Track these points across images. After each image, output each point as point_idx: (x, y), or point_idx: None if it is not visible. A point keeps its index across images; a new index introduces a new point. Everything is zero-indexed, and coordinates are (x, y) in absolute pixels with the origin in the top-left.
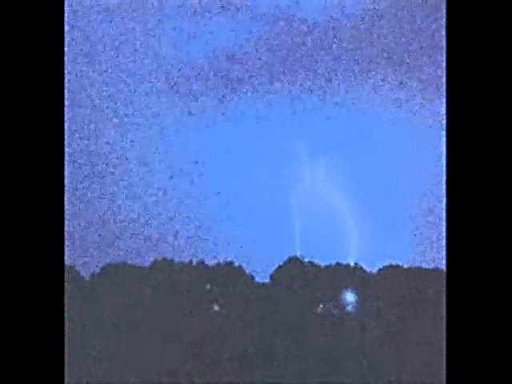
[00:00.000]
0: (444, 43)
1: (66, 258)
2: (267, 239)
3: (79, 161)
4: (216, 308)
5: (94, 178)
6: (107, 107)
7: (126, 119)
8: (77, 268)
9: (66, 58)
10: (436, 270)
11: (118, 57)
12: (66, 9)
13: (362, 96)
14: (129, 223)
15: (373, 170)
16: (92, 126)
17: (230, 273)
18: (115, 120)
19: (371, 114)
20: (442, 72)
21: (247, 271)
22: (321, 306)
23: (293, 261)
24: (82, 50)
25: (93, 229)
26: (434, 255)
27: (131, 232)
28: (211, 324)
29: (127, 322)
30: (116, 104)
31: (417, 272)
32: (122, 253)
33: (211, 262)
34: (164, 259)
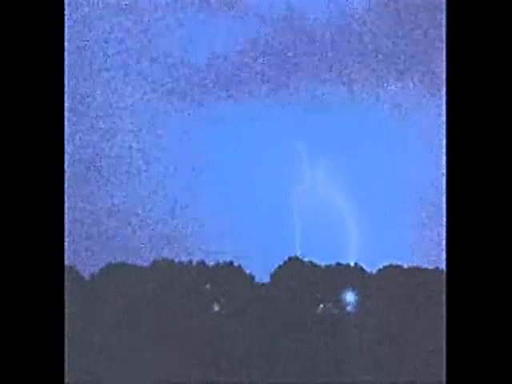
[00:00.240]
0: (444, 43)
1: (65, 258)
2: (267, 239)
3: (79, 161)
4: (216, 308)
5: (94, 178)
6: (107, 107)
7: (125, 119)
8: (77, 268)
9: (65, 59)
10: (436, 270)
11: (117, 57)
12: (66, 9)
13: (362, 96)
14: (129, 223)
15: (373, 170)
16: (91, 127)
17: (230, 273)
18: (115, 120)
19: (371, 115)
20: (442, 72)
21: (247, 271)
22: (321, 306)
23: (293, 261)
24: (81, 50)
25: (93, 229)
26: (434, 255)
27: (131, 232)
28: (211, 324)
29: (127, 321)
30: (116, 104)
31: (417, 272)
32: (121, 253)
33: (211, 262)
34: (164, 259)
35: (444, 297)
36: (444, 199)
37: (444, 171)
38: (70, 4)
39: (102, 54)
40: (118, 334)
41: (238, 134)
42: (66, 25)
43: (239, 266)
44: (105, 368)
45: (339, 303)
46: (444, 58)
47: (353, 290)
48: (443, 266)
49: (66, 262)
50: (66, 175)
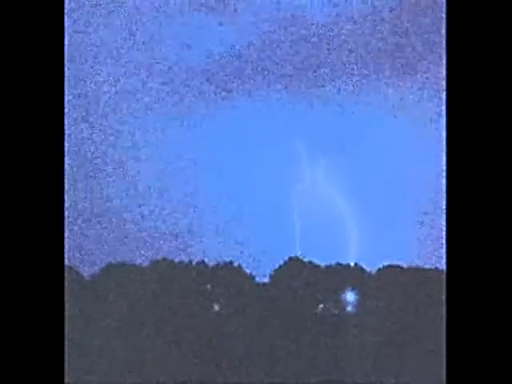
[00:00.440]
0: (444, 43)
1: (65, 258)
2: (267, 239)
3: (79, 161)
4: (216, 308)
5: (94, 178)
6: (107, 107)
7: (125, 119)
8: (77, 268)
9: (65, 59)
10: (436, 270)
11: (116, 57)
12: (66, 10)
13: (362, 96)
14: (129, 223)
15: (373, 170)
16: (91, 127)
17: (229, 273)
18: (115, 120)
19: (371, 115)
20: (443, 73)
21: (247, 271)
22: (321, 305)
23: (293, 261)
24: (81, 50)
25: (93, 229)
26: (434, 255)
27: (131, 232)
28: (211, 324)
29: (127, 321)
30: (116, 104)
31: (417, 272)
32: (122, 253)
33: (211, 262)
34: (164, 259)
35: (444, 297)
36: (444, 199)
37: (444, 171)
38: (69, 4)
39: (101, 55)
40: (118, 333)
41: (237, 134)
42: (66, 27)
43: (239, 266)
44: (105, 368)
45: (339, 303)
46: (444, 58)
47: (353, 290)
48: (443, 265)
49: (66, 262)
50: (66, 175)
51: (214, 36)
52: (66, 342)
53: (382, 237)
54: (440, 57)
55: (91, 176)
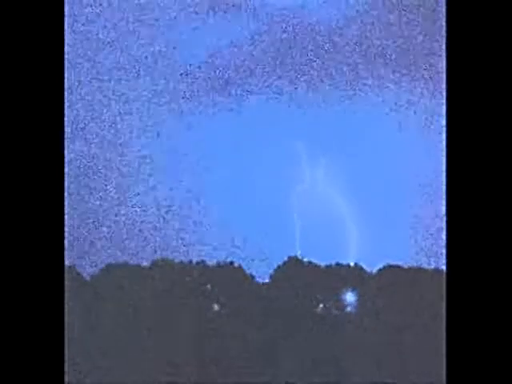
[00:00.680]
0: (444, 43)
1: (65, 258)
2: (267, 239)
3: (79, 161)
4: (216, 308)
5: (94, 178)
6: (106, 107)
7: (125, 119)
8: (77, 268)
9: (65, 59)
10: (436, 269)
11: (116, 57)
12: (66, 10)
13: (362, 96)
14: (129, 223)
15: (373, 170)
16: (91, 127)
17: (229, 273)
18: (115, 120)
19: (371, 115)
20: (443, 72)
21: (247, 271)
22: (321, 305)
23: (293, 261)
24: (80, 50)
25: (93, 229)
26: (434, 255)
27: (131, 232)
28: (211, 324)
29: (127, 321)
30: (115, 104)
31: (417, 272)
32: (121, 253)
33: (211, 262)
34: (164, 259)
35: (444, 297)
36: (444, 199)
37: (444, 171)
38: (69, 3)
39: (100, 55)
40: (118, 333)
41: (237, 134)
42: (65, 24)
43: (239, 266)
44: (105, 368)
45: (339, 303)
46: (444, 58)
47: (353, 290)
48: (443, 266)
49: (66, 262)
50: (66, 175)
51: (213, 35)
52: (66, 342)
53: (382, 237)
54: (440, 57)
55: (91, 176)
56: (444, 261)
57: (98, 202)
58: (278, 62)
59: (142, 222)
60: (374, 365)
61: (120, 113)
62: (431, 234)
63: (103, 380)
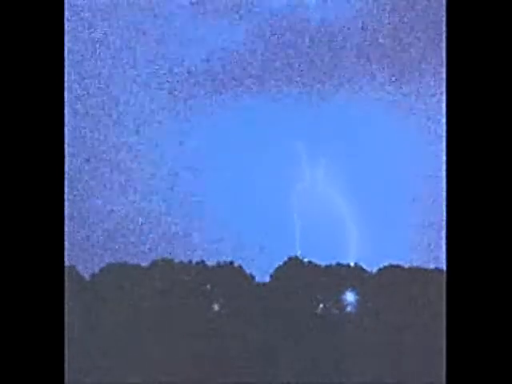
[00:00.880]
0: (444, 43)
1: (65, 258)
2: (267, 239)
3: (79, 161)
4: (216, 308)
5: (94, 178)
6: (106, 107)
7: (125, 119)
8: (77, 268)
9: (65, 59)
10: (436, 269)
11: (116, 57)
12: (66, 10)
13: (362, 96)
14: (129, 223)
15: (373, 170)
16: (91, 127)
17: (229, 273)
18: (115, 120)
19: (371, 114)
20: (442, 73)
21: (247, 271)
22: (321, 305)
23: (293, 261)
24: (80, 50)
25: (93, 229)
26: (434, 255)
27: (131, 232)
28: (211, 324)
29: (127, 321)
30: (115, 104)
31: (417, 272)
32: (122, 253)
33: (211, 262)
34: (164, 259)
35: (444, 297)
36: (444, 199)
37: (444, 171)
38: (69, 4)
39: (100, 55)
40: (118, 333)
41: (237, 134)
42: (65, 24)
43: (239, 266)
44: (105, 368)
45: (339, 303)
46: (444, 58)
47: (353, 290)
48: (443, 265)
49: (66, 262)
50: (66, 175)
51: (213, 36)
52: (66, 342)
53: (382, 237)
54: (440, 57)
55: (91, 176)
56: (444, 261)
57: (98, 202)
58: (277, 62)
59: (142, 222)
60: (374, 365)
61: (120, 113)
62: (431, 234)
63: (103, 380)
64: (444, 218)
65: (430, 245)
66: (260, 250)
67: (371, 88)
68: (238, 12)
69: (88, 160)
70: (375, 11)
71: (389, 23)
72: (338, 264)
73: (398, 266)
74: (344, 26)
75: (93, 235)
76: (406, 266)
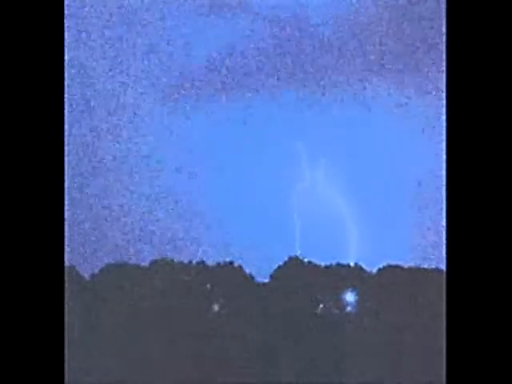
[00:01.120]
0: (444, 44)
1: (65, 258)
2: (267, 239)
3: (79, 161)
4: (216, 308)
5: (94, 178)
6: (106, 107)
7: (126, 119)
8: (77, 268)
9: (65, 59)
10: (436, 269)
11: (117, 57)
12: (66, 10)
13: (362, 97)
14: (128, 223)
15: (373, 170)
16: (92, 127)
17: (229, 273)
18: (116, 120)
19: (371, 114)
20: (442, 73)
21: (247, 271)
22: (321, 305)
23: (293, 261)
24: (80, 50)
25: (93, 229)
26: (434, 255)
27: (131, 232)
28: (211, 324)
29: (127, 321)
30: (116, 104)
31: (417, 272)
32: (122, 253)
33: (211, 262)
34: (164, 259)
35: (444, 297)
36: (444, 199)
37: (444, 171)
38: (69, 4)
39: (100, 55)
40: (118, 333)
41: (237, 134)
42: (66, 24)
43: (239, 266)
44: (105, 368)
45: (339, 303)
46: (444, 59)
47: (353, 290)
48: (443, 265)
49: (66, 262)
50: (66, 175)
51: (213, 36)
52: (66, 342)
53: (382, 237)
54: (440, 57)
55: (91, 176)
56: (444, 261)
57: (98, 202)
58: (277, 63)
59: (142, 221)
60: (374, 365)
61: (120, 113)
62: (431, 234)
63: (103, 380)
64: (444, 219)
65: (430, 245)
66: (260, 249)
67: (371, 88)
68: (237, 12)
69: (88, 160)
70: (375, 11)
71: (389, 23)
72: (338, 264)
73: (397, 266)
74: (344, 26)
75: (93, 235)
76: (406, 266)
